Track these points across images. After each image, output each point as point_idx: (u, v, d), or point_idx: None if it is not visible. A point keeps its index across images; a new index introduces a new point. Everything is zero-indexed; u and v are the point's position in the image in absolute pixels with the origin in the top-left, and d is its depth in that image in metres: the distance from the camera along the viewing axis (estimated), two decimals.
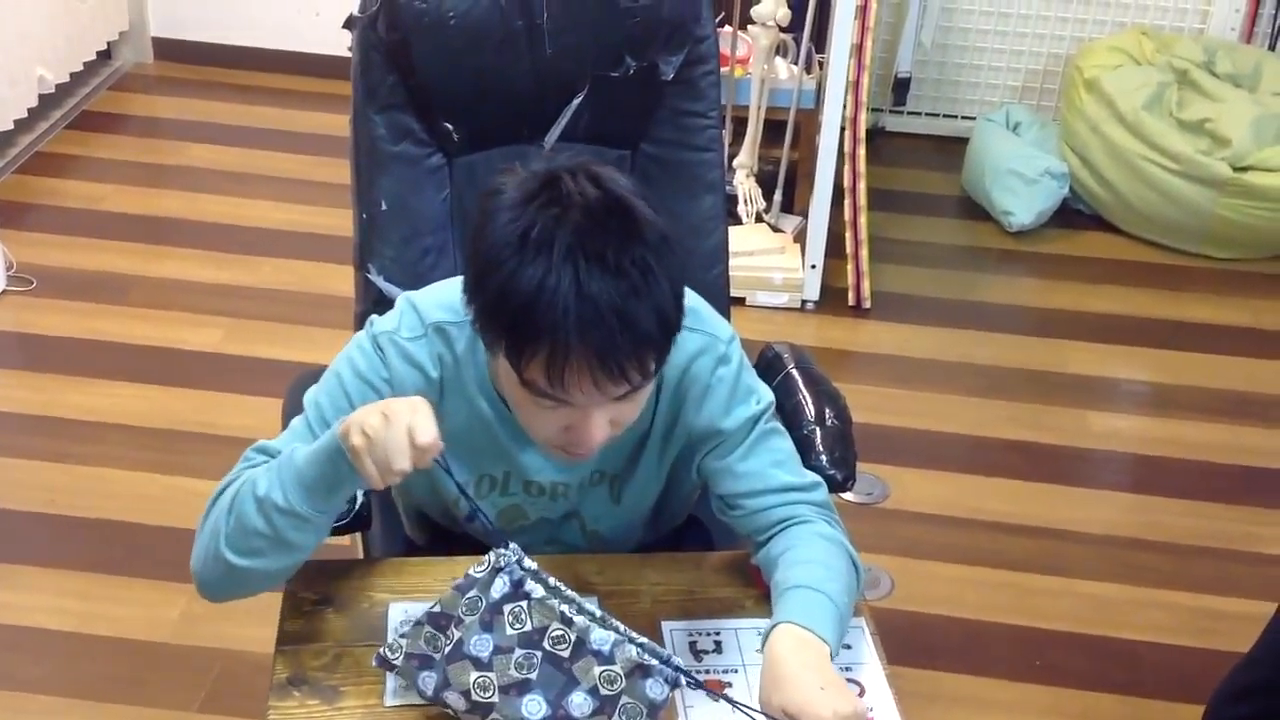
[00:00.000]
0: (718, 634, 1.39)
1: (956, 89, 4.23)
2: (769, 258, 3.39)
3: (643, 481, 1.48)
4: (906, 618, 2.46)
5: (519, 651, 1.22)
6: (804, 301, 3.37)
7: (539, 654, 1.22)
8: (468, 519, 1.49)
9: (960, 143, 4.02)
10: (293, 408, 1.42)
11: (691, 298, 1.42)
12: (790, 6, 3.36)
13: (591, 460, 1.43)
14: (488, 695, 1.23)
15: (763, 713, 1.21)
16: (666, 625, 1.40)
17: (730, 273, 1.89)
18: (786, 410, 1.70)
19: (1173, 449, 2.97)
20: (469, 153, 1.78)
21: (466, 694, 1.24)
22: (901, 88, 4.20)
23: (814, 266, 3.34)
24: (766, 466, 1.42)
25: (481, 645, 1.23)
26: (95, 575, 2.44)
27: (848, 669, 1.33)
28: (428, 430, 1.19)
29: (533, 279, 1.18)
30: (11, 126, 3.69)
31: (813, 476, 1.46)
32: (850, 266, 3.37)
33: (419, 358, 1.38)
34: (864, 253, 3.36)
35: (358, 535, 1.71)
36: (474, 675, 1.23)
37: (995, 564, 2.61)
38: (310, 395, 1.38)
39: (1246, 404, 3.13)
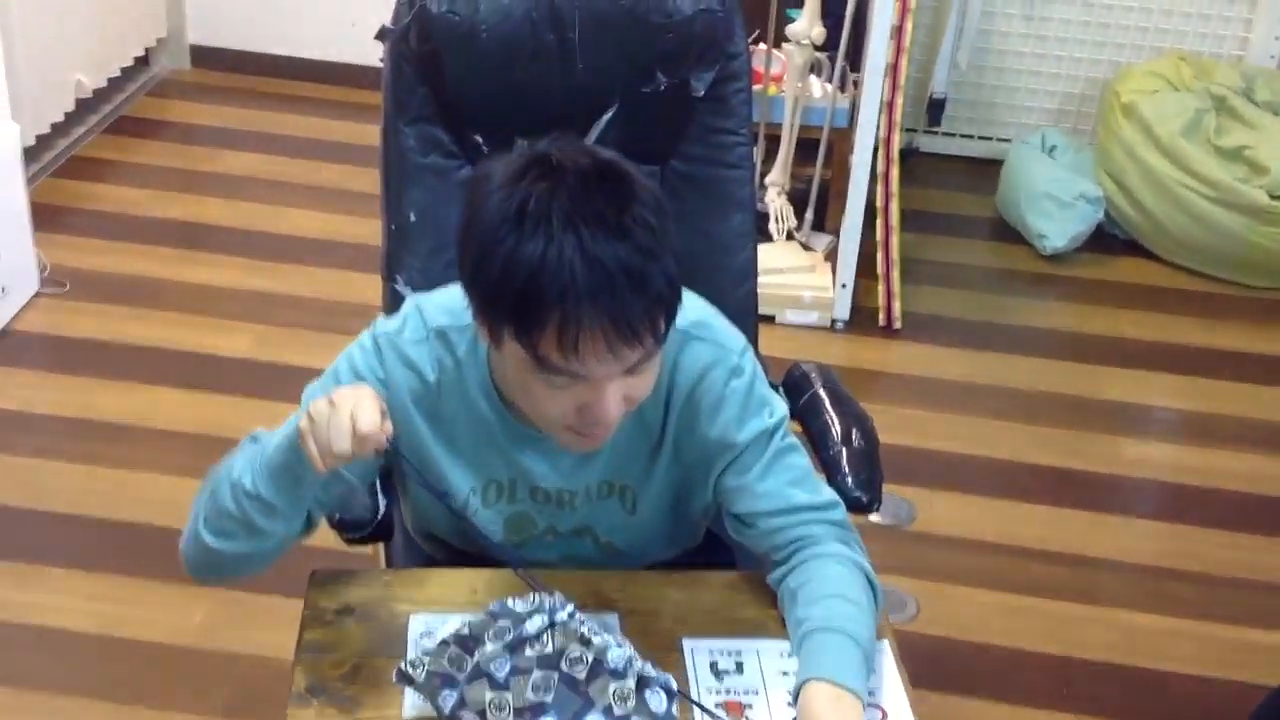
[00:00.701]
0: (739, 654, 1.37)
1: (992, 111, 4.20)
2: (799, 276, 3.38)
3: (658, 491, 1.47)
4: (932, 642, 2.44)
5: (537, 673, 1.22)
6: (834, 321, 3.36)
7: (555, 675, 1.21)
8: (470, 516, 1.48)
9: (995, 165, 4.00)
10: None
11: (703, 308, 1.42)
12: (825, 25, 3.36)
13: (597, 468, 1.42)
14: (503, 715, 1.22)
15: None
16: (687, 644, 1.38)
17: (760, 290, 1.88)
18: (813, 430, 1.69)
19: (1207, 478, 2.94)
20: None
21: (482, 713, 1.23)
22: (936, 108, 4.17)
23: (844, 286, 3.32)
24: (784, 486, 1.40)
25: (500, 665, 1.22)
26: (121, 578, 2.45)
27: (871, 693, 1.31)
28: (369, 420, 1.20)
29: (535, 252, 1.16)
30: (48, 130, 3.72)
31: (829, 494, 1.44)
32: (881, 286, 3.36)
33: (418, 361, 1.38)
34: (895, 273, 3.34)
35: (380, 546, 1.70)
36: (489, 694, 1.22)
37: (1024, 590, 2.58)
38: (309, 390, 1.41)
39: None
